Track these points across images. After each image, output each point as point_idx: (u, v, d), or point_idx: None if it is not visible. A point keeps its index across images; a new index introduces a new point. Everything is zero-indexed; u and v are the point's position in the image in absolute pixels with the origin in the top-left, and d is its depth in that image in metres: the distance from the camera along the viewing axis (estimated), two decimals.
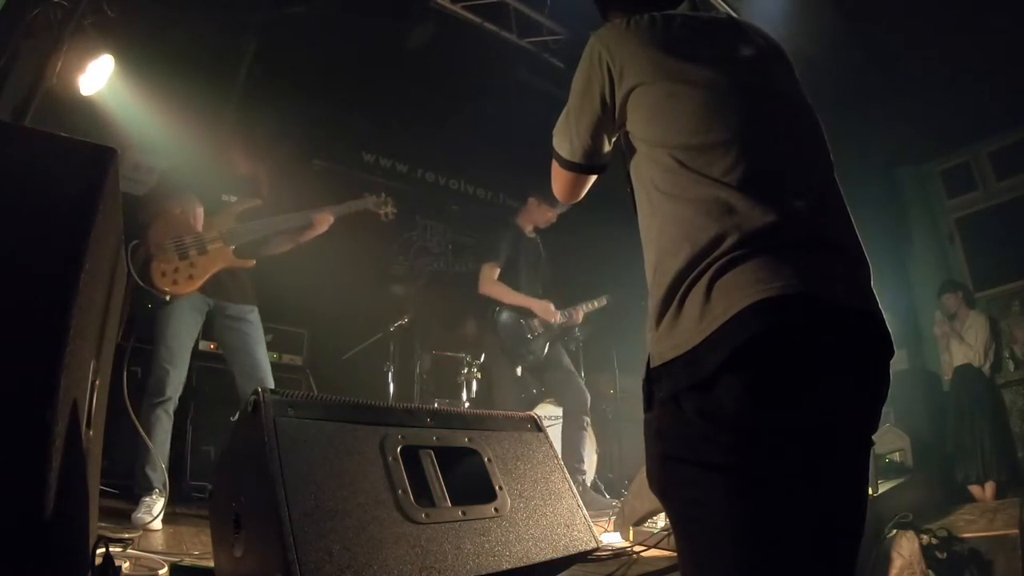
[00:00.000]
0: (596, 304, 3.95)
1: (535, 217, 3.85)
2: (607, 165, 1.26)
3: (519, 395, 3.78)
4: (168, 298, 2.58)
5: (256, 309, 2.85)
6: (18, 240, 0.93)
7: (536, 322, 3.69)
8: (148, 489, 2.43)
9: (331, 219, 2.99)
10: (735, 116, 1.02)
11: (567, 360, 3.84)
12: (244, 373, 2.73)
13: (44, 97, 2.57)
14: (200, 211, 2.68)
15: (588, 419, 3.73)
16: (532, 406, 3.91)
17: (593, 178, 1.30)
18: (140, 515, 2.32)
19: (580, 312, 3.87)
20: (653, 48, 1.08)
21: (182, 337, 2.63)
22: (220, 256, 2.71)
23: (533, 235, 3.91)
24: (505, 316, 3.69)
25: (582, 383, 3.82)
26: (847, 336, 0.91)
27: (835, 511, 0.91)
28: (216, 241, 2.70)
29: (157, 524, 2.31)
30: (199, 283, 2.64)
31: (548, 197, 3.63)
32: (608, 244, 3.84)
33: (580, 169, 1.25)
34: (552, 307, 3.71)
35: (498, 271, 3.69)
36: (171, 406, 2.56)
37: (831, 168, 1.08)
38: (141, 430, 2.43)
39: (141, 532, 2.19)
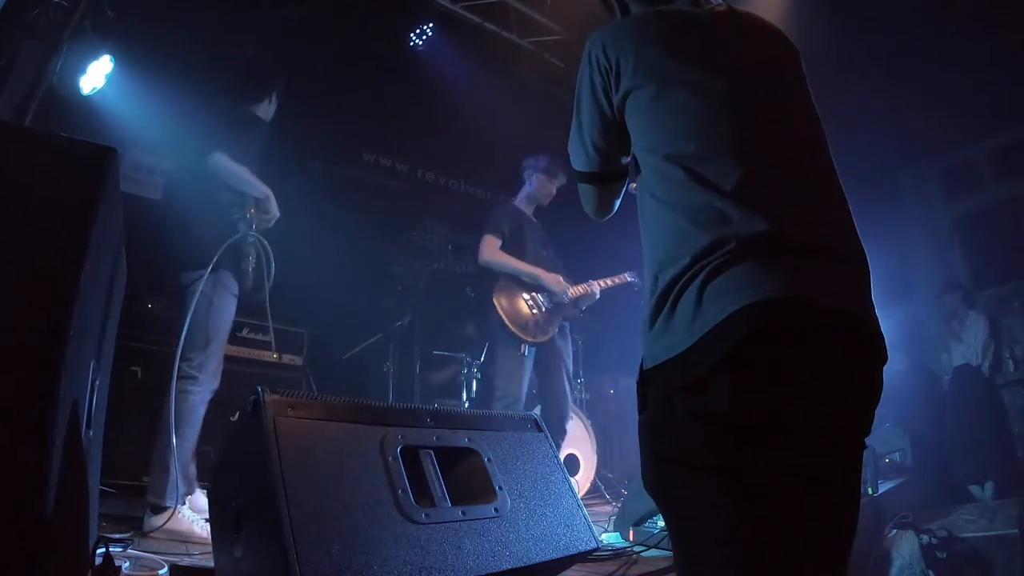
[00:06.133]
0: (618, 280, 3.61)
1: (535, 193, 3.56)
2: (627, 170, 1.21)
3: (525, 378, 3.28)
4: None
5: None
6: (18, 240, 0.93)
7: (544, 296, 3.34)
8: (184, 496, 2.24)
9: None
10: (730, 121, 1.00)
11: (570, 363, 3.46)
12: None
13: (44, 97, 2.57)
14: None
15: (566, 430, 3.42)
16: (534, 405, 3.59)
17: (620, 187, 1.26)
18: (200, 528, 2.14)
19: (597, 286, 3.51)
20: (647, 49, 1.07)
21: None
22: None
23: (534, 219, 3.59)
24: (507, 286, 3.31)
25: (569, 391, 3.42)
26: (839, 340, 0.91)
27: (827, 513, 0.90)
28: None
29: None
30: None
31: (549, 168, 3.50)
32: (617, 224, 3.70)
33: (599, 179, 1.21)
34: (560, 278, 3.36)
35: (499, 243, 3.34)
36: None
37: (832, 170, 1.06)
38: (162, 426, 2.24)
39: (141, 532, 2.17)
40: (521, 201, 3.60)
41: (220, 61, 3.89)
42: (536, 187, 3.55)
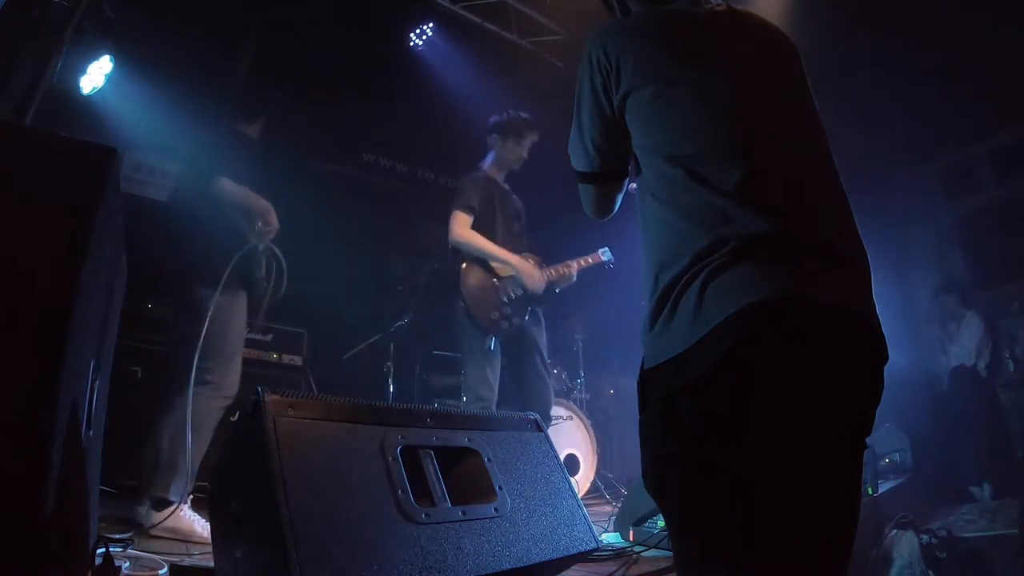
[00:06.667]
0: (592, 260, 3.32)
1: (504, 158, 3.22)
2: (627, 170, 1.21)
3: (496, 375, 2.99)
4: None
5: None
6: (18, 240, 0.93)
7: (513, 282, 3.02)
8: (188, 495, 2.25)
9: None
10: (730, 121, 1.00)
11: (543, 344, 3.14)
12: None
13: (44, 97, 2.57)
14: None
15: (551, 418, 3.19)
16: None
17: (621, 187, 1.24)
18: (200, 528, 2.15)
19: (574, 267, 3.22)
20: (647, 49, 1.07)
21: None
22: None
23: (506, 185, 3.27)
24: (474, 271, 3.01)
25: (548, 377, 3.13)
26: (839, 339, 0.91)
27: (828, 512, 0.90)
28: None
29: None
30: None
31: (512, 129, 3.19)
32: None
33: (600, 179, 1.21)
34: (535, 268, 3.07)
35: (471, 220, 3.03)
36: None
37: (833, 169, 1.06)
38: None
39: (141, 532, 2.17)
40: (490, 167, 3.25)
41: (215, 75, 3.89)
42: (503, 151, 3.22)
